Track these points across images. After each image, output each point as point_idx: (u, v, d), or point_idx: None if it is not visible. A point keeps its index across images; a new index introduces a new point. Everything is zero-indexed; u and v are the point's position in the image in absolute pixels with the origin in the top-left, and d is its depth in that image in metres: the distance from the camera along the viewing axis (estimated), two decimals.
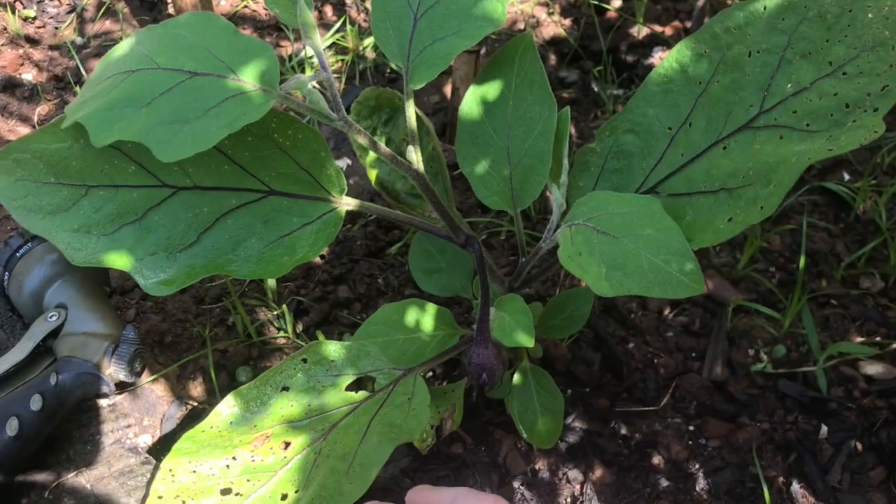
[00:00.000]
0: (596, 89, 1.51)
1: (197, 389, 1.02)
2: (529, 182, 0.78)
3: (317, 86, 1.29)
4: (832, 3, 0.65)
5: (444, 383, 1.03)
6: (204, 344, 1.04)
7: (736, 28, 0.70)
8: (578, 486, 0.96)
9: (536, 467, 0.97)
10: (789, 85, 0.66)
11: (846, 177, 1.35)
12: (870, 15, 0.62)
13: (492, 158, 0.80)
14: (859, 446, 1.00)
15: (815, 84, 0.65)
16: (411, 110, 0.77)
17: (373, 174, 0.97)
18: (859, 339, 1.11)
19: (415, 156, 0.78)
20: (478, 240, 0.82)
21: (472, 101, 0.81)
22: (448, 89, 1.45)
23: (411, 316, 0.89)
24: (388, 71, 1.54)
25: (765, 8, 0.68)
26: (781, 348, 1.07)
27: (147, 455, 0.85)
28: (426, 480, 0.96)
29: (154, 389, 0.99)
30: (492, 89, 0.80)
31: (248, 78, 0.69)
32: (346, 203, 0.80)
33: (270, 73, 0.69)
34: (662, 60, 0.74)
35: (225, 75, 0.69)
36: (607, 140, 0.77)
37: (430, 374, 1.05)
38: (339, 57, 1.53)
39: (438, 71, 0.73)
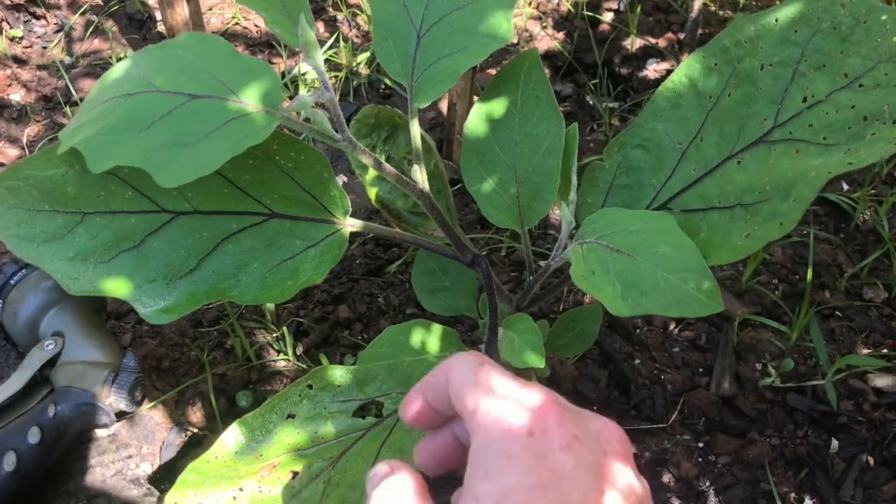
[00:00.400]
0: (591, 102, 1.50)
1: (196, 415, 1.00)
2: (537, 200, 0.76)
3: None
4: (846, 15, 0.63)
5: None
6: (202, 368, 1.02)
7: (747, 41, 0.68)
8: None
9: None
10: (804, 98, 0.65)
11: (845, 187, 1.34)
12: (886, 26, 0.61)
13: (499, 176, 0.79)
14: (871, 460, 0.99)
15: (831, 97, 0.63)
16: (416, 129, 0.75)
17: (372, 192, 0.95)
18: (866, 351, 1.10)
19: (420, 175, 0.76)
20: (485, 259, 0.80)
21: (477, 119, 0.80)
22: (444, 105, 1.44)
23: (417, 337, 0.87)
24: (383, 87, 1.52)
25: (776, 20, 0.67)
26: (790, 362, 1.06)
27: (150, 487, 0.82)
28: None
29: (152, 416, 0.96)
30: (497, 106, 0.79)
31: (249, 99, 0.67)
32: (351, 224, 0.79)
33: (273, 93, 0.67)
34: (671, 75, 0.73)
35: (226, 97, 0.67)
36: (616, 156, 0.76)
37: None
38: (333, 73, 1.51)
39: (444, 89, 0.71)
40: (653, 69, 1.55)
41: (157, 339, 1.05)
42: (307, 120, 0.71)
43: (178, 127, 0.66)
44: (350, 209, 0.78)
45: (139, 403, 0.83)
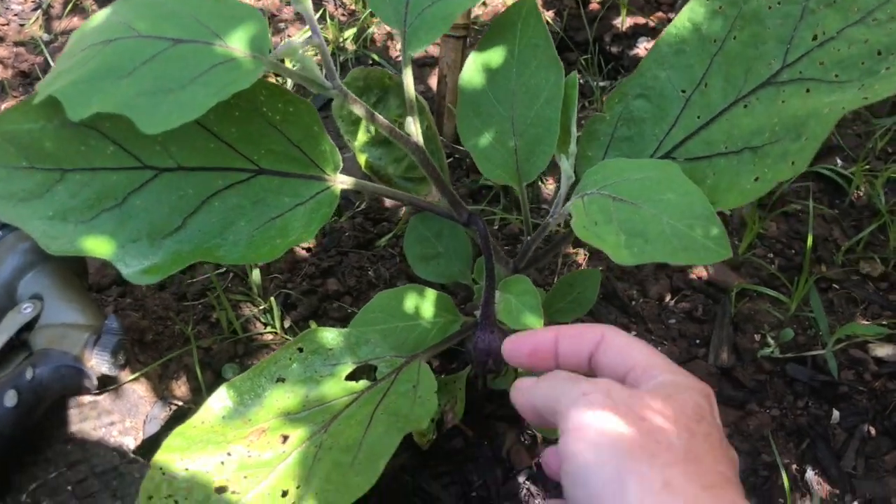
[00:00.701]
0: (582, 81, 1.48)
1: (181, 389, 0.97)
2: (536, 153, 0.73)
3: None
4: None
5: (442, 376, 0.99)
6: (187, 342, 0.99)
7: None
8: None
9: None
10: (814, 36, 0.62)
11: (839, 162, 1.33)
12: None
13: (496, 129, 0.76)
14: (872, 430, 0.97)
15: (843, 32, 0.61)
16: (409, 78, 0.72)
17: (363, 158, 0.92)
18: (864, 323, 1.08)
19: (414, 127, 0.73)
20: (481, 218, 0.77)
21: (473, 70, 0.77)
22: (434, 80, 1.42)
23: (410, 302, 0.85)
24: (371, 63, 1.50)
25: None
26: (789, 332, 1.04)
27: (133, 454, 0.79)
28: (427, 476, 0.91)
29: (136, 389, 0.93)
30: (494, 56, 0.76)
31: (236, 44, 0.64)
32: (342, 181, 0.76)
33: (260, 38, 0.65)
34: (674, 20, 0.70)
35: (211, 42, 0.65)
36: (616, 107, 0.73)
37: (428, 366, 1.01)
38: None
39: (438, 34, 0.69)
40: (643, 48, 1.53)
41: (140, 311, 1.02)
42: (296, 67, 0.68)
43: (162, 72, 0.63)
44: (341, 165, 0.75)
45: (122, 367, 0.79)
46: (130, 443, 0.84)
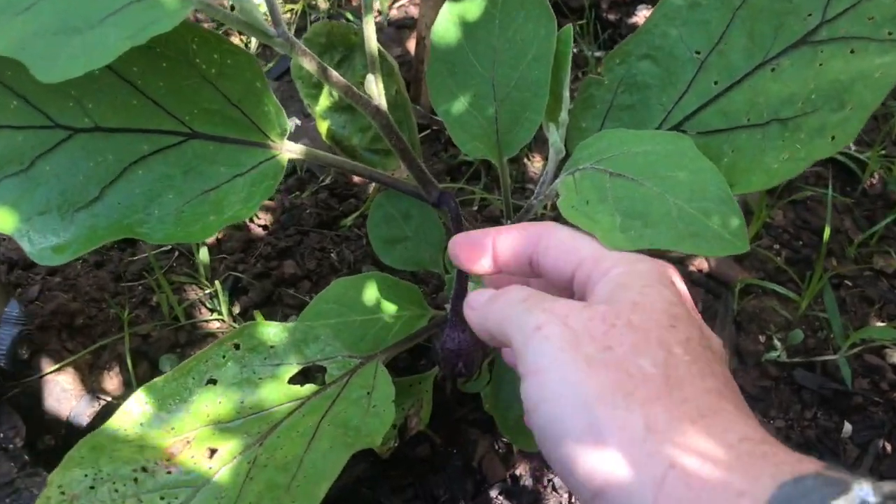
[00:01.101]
0: (577, 50, 1.36)
1: (113, 382, 0.86)
2: (520, 122, 0.62)
3: None
4: None
5: (407, 377, 0.88)
6: (123, 328, 0.88)
7: None
8: (566, 495, 0.82)
9: (518, 473, 0.83)
10: None
11: (853, 147, 1.22)
12: None
13: (473, 93, 0.64)
14: (888, 446, 0.88)
15: None
16: (370, 28, 0.61)
17: (324, 126, 0.81)
18: (880, 324, 0.98)
19: (375, 87, 0.62)
20: (453, 197, 0.66)
21: (447, 23, 0.65)
22: (412, 43, 1.30)
23: (371, 292, 0.74)
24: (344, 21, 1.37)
25: None
26: (798, 333, 0.93)
27: (30, 464, 0.68)
28: (387, 489, 0.80)
29: (59, 381, 0.82)
30: (473, 6, 0.64)
31: None
32: (289, 149, 0.64)
33: None
34: None
35: None
36: (617, 69, 0.62)
37: (393, 363, 0.90)
38: (289, 6, 1.36)
39: None
40: (642, 15, 1.42)
41: (70, 292, 0.90)
42: (232, 9, 0.56)
43: (67, 8, 0.53)
44: (288, 129, 0.64)
45: (25, 363, 0.68)
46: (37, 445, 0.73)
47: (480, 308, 0.46)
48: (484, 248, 0.48)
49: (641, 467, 0.34)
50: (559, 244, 0.46)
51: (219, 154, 0.64)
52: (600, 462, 0.34)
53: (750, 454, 0.33)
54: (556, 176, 0.59)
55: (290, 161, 0.65)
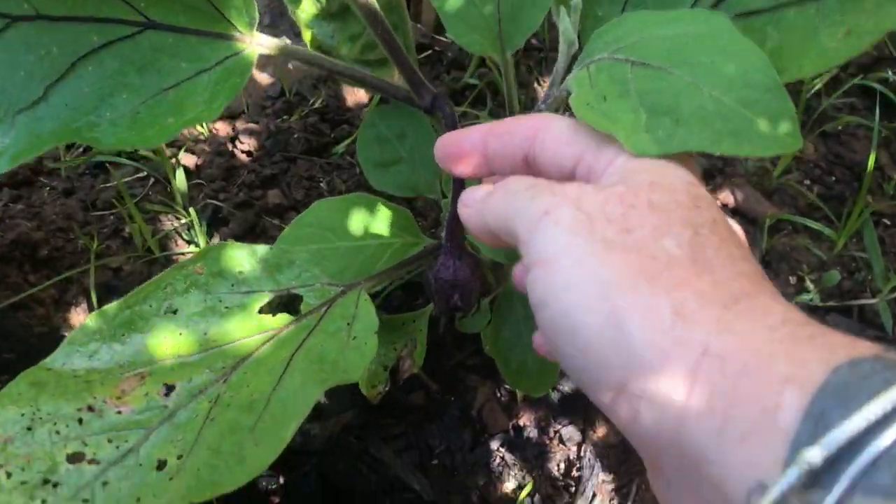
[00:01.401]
0: None
1: (80, 318, 0.79)
2: (524, 8, 0.53)
3: None
4: None
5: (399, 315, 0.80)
6: (91, 260, 0.80)
7: None
8: (575, 448, 0.75)
9: (521, 423, 0.76)
10: None
11: (890, 75, 1.12)
12: None
13: None
14: None
15: None
16: None
17: (308, 35, 0.73)
18: None
19: None
20: (448, 101, 0.58)
21: None
22: None
23: (358, 217, 0.66)
24: None
25: None
26: (835, 274, 0.85)
27: None
28: (377, 438, 0.73)
29: (17, 316, 0.75)
30: None
31: None
32: (259, 43, 0.56)
33: None
34: None
35: None
36: None
37: (385, 303, 0.82)
38: None
39: None
40: None
41: (34, 220, 0.83)
42: None
43: None
44: (257, 19, 0.55)
45: None
46: None
47: (478, 204, 0.42)
48: (473, 146, 0.44)
49: (670, 356, 0.29)
50: (558, 136, 0.41)
51: (180, 47, 0.55)
52: (622, 354, 0.30)
53: (794, 337, 0.28)
54: (567, 71, 0.50)
55: (263, 57, 0.57)
